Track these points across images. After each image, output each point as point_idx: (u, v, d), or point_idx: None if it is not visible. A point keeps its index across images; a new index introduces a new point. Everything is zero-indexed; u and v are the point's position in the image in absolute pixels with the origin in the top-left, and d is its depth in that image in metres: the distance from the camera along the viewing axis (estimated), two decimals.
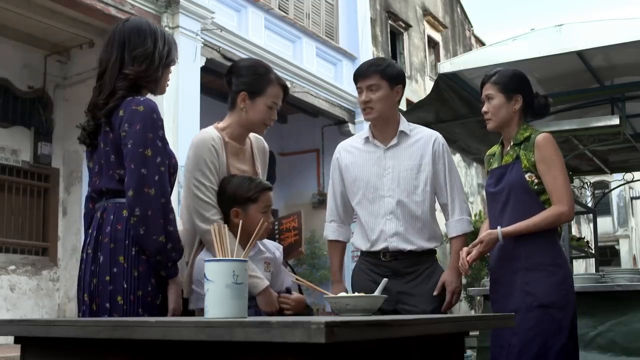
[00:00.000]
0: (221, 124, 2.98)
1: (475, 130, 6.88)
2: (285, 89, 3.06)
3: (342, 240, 3.56)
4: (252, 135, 3.07)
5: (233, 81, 2.96)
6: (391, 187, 3.32)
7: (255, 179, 2.85)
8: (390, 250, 3.30)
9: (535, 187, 3.11)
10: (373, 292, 2.41)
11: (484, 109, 3.27)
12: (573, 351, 3.06)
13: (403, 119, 3.43)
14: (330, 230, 3.55)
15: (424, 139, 3.39)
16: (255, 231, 2.23)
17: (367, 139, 3.42)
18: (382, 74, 3.29)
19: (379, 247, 3.32)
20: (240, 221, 2.39)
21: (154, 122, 2.50)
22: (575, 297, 3.11)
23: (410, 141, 3.37)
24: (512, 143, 3.21)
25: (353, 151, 3.45)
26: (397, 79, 3.34)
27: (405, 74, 15.98)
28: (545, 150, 3.10)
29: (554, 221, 3.08)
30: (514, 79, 3.24)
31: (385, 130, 3.38)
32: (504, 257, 3.16)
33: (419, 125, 3.53)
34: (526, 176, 3.12)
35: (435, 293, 3.27)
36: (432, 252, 3.41)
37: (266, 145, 3.18)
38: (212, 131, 2.91)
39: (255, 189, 2.78)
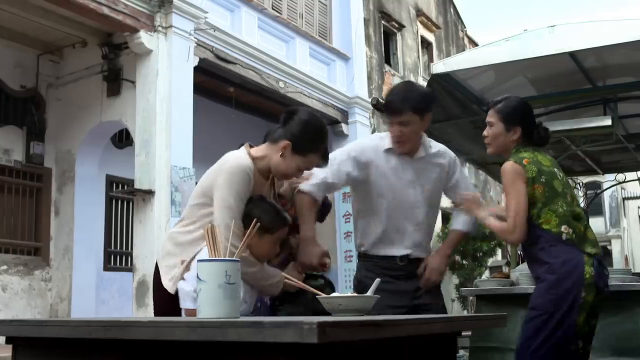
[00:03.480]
0: (255, 152, 2.97)
1: (468, 131, 6.90)
2: (325, 159, 3.03)
3: (318, 201, 3.36)
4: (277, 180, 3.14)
5: (290, 122, 2.93)
6: (421, 199, 3.40)
7: (281, 212, 2.87)
8: (410, 258, 3.40)
9: None
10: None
11: (484, 133, 3.40)
12: (559, 350, 3.11)
13: (424, 136, 3.50)
14: (318, 189, 3.31)
15: (440, 150, 3.52)
16: (244, 238, 2.23)
17: (390, 149, 3.41)
18: (415, 109, 3.28)
19: (399, 253, 3.39)
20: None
21: None
22: (572, 301, 3.11)
23: (432, 152, 3.47)
24: None
25: (381, 155, 3.42)
26: (428, 109, 3.36)
27: (399, 75, 15.91)
28: (504, 179, 3.25)
29: (500, 236, 3.41)
30: (516, 111, 3.35)
31: (412, 150, 3.43)
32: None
33: (436, 142, 3.61)
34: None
35: (421, 283, 3.40)
36: None
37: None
38: (248, 160, 2.88)
39: (276, 222, 2.81)
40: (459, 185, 3.52)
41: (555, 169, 3.33)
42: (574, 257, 3.16)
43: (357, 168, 3.37)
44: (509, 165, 3.24)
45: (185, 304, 2.78)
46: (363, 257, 3.48)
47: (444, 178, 3.47)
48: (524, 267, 4.63)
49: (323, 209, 3.51)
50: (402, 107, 3.27)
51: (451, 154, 3.56)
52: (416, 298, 3.34)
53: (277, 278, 2.87)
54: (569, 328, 3.10)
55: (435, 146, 3.52)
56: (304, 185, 3.26)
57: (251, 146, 3.01)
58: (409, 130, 3.29)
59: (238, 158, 2.88)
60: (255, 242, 2.69)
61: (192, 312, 2.78)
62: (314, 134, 2.93)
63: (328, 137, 3.04)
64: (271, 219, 2.80)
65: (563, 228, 3.18)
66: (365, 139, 3.65)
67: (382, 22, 16.26)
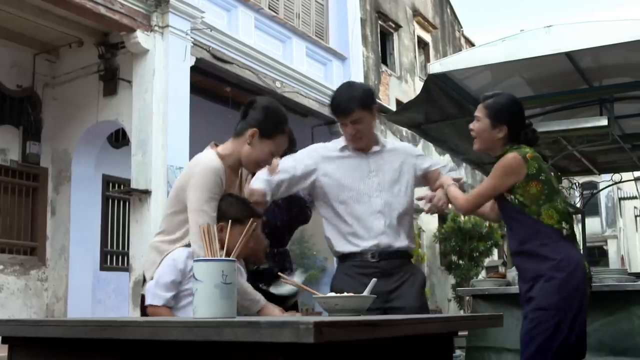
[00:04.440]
0: (222, 150, 2.98)
1: (464, 131, 6.86)
2: (291, 142, 3.13)
3: (267, 194, 3.26)
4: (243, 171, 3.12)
5: (250, 113, 2.98)
6: (377, 188, 3.38)
7: (245, 205, 2.89)
8: (382, 251, 3.33)
9: (516, 201, 3.23)
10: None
11: (471, 126, 3.39)
12: (575, 351, 3.11)
13: (377, 133, 3.56)
14: (265, 184, 3.22)
15: (397, 146, 3.57)
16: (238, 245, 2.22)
17: (345, 147, 3.46)
18: (363, 106, 3.33)
19: (368, 245, 3.34)
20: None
21: None
22: (581, 298, 3.13)
23: (388, 147, 3.50)
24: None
25: (332, 154, 3.46)
26: (373, 103, 3.41)
27: (395, 75, 15.94)
28: (498, 164, 3.26)
29: (456, 205, 3.35)
30: (505, 108, 3.32)
31: (368, 146, 3.47)
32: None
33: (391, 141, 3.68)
34: (507, 196, 3.25)
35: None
36: (411, 255, 3.52)
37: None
38: (217, 161, 2.90)
39: (245, 213, 2.79)
40: (432, 167, 3.54)
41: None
42: (574, 253, 3.19)
43: (303, 163, 3.39)
44: (510, 157, 3.22)
45: (146, 301, 2.81)
46: (339, 260, 3.49)
47: (406, 169, 3.46)
48: None
49: (298, 216, 3.68)
50: (350, 106, 3.33)
51: (412, 148, 3.66)
52: (389, 301, 3.26)
53: (256, 304, 2.82)
54: (581, 325, 3.11)
55: (392, 143, 3.59)
56: (257, 185, 3.21)
57: (216, 145, 3.02)
58: (363, 126, 3.36)
59: (208, 160, 2.90)
60: (226, 235, 2.68)
61: (152, 310, 2.79)
62: (277, 116, 3.02)
63: (286, 116, 3.10)
64: (238, 209, 2.80)
65: (563, 224, 3.20)
66: (320, 146, 3.67)
67: (379, 22, 16.27)
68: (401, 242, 3.38)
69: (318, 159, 3.44)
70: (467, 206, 3.31)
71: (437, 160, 3.66)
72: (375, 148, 3.45)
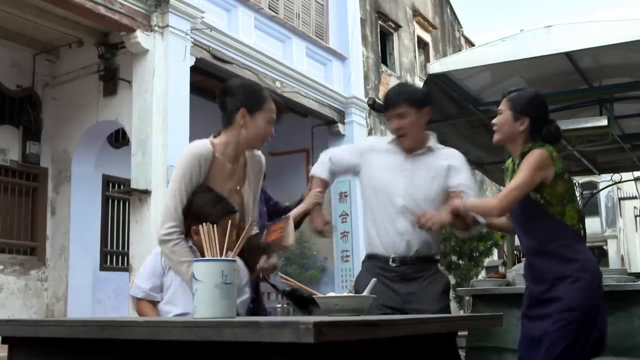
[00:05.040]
0: (217, 139, 2.99)
1: (464, 131, 6.90)
2: (277, 103, 3.10)
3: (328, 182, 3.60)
4: (250, 153, 3.07)
5: (228, 101, 2.97)
6: (404, 189, 3.37)
7: (220, 202, 2.82)
8: (403, 257, 3.33)
9: (542, 201, 3.19)
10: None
11: (494, 120, 3.37)
12: (597, 347, 3.16)
13: (431, 135, 3.52)
14: (323, 169, 3.56)
15: (446, 152, 3.51)
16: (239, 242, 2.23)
17: (393, 142, 3.49)
18: (409, 102, 3.37)
19: (392, 251, 3.36)
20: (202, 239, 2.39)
21: None
22: (602, 296, 3.18)
23: (435, 151, 3.47)
24: (517, 160, 3.29)
25: (381, 148, 3.52)
26: (423, 103, 3.43)
27: (395, 75, 15.92)
28: (527, 160, 3.17)
29: (482, 210, 3.25)
30: (528, 102, 3.31)
31: (413, 147, 3.45)
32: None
33: (445, 146, 3.59)
34: (533, 195, 3.19)
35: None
36: (437, 260, 3.50)
37: (263, 162, 3.19)
38: (204, 146, 2.91)
39: (215, 214, 2.75)
40: (455, 187, 3.40)
41: None
42: (590, 253, 3.24)
43: (354, 154, 3.57)
44: (537, 152, 3.17)
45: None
46: (348, 256, 3.55)
47: (442, 173, 3.39)
48: (519, 267, 4.62)
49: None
50: (397, 99, 3.39)
51: (456, 156, 3.50)
52: (407, 302, 3.27)
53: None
54: (603, 323, 3.14)
55: (442, 148, 3.52)
56: (312, 170, 3.56)
57: (215, 136, 3.02)
58: (406, 122, 3.36)
59: (194, 145, 2.93)
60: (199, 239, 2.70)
61: (137, 304, 2.81)
62: (254, 87, 3.04)
63: (260, 84, 3.19)
64: (208, 211, 2.75)
65: (581, 225, 3.22)
66: (373, 137, 3.73)
67: (379, 22, 16.26)
68: (422, 247, 3.35)
69: (364, 150, 3.55)
70: (500, 204, 3.16)
71: (467, 179, 3.45)
72: (421, 150, 3.43)
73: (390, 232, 3.36)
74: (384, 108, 3.49)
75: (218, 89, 3.06)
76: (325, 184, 3.56)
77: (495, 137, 3.38)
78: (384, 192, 3.40)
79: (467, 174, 3.46)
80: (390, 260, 3.35)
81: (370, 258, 3.45)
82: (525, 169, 3.15)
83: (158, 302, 2.83)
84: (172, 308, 2.77)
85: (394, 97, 3.42)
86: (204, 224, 2.15)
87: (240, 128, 2.93)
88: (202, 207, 2.78)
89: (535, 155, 3.16)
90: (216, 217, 2.68)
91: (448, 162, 3.43)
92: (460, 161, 3.48)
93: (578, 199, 10.67)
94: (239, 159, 3.02)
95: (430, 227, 3.19)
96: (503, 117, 3.31)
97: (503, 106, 3.33)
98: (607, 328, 3.18)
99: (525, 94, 3.36)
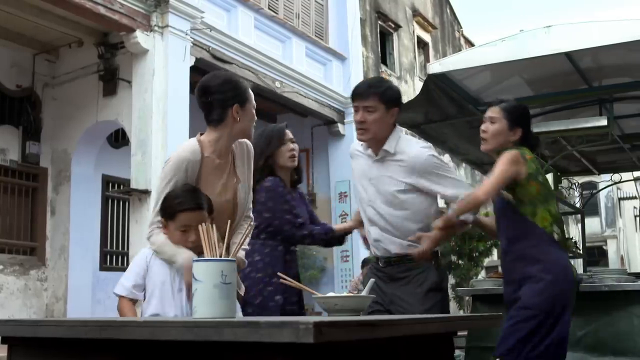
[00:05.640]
0: (206, 137, 2.97)
1: (464, 131, 6.90)
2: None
3: None
4: (235, 143, 3.06)
5: (216, 98, 2.94)
6: (372, 197, 3.38)
7: (183, 196, 2.78)
8: (384, 258, 3.37)
9: (514, 200, 3.27)
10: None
11: (483, 127, 3.38)
12: (552, 354, 3.14)
13: (392, 137, 3.36)
14: None
15: (406, 150, 3.33)
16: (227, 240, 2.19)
17: (365, 145, 3.48)
18: (381, 97, 3.29)
19: (376, 253, 3.45)
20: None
21: None
22: (564, 302, 3.17)
23: (394, 151, 3.33)
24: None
25: (357, 155, 3.54)
26: (394, 102, 3.34)
27: (395, 75, 15.89)
28: (500, 160, 3.24)
29: (469, 202, 3.16)
30: (522, 112, 3.41)
31: (376, 147, 3.40)
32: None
33: (410, 143, 3.41)
34: (506, 193, 3.28)
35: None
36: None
37: (251, 148, 3.16)
38: (192, 149, 2.90)
39: (174, 207, 2.75)
40: (439, 185, 3.30)
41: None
42: (563, 257, 3.25)
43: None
44: (511, 152, 3.25)
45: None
46: (347, 256, 3.61)
47: (405, 176, 3.29)
48: None
49: (331, 240, 3.76)
50: (367, 91, 3.32)
51: (422, 162, 3.29)
52: (392, 303, 3.29)
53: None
54: (563, 328, 3.13)
55: (403, 147, 3.34)
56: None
57: (201, 134, 3.03)
58: (372, 117, 3.28)
59: (182, 148, 2.94)
60: (167, 232, 2.76)
61: (120, 303, 2.80)
62: (237, 82, 3.05)
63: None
64: (169, 204, 2.76)
65: (554, 228, 3.23)
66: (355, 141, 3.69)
67: (379, 22, 16.26)
68: (401, 249, 3.32)
69: (351, 155, 3.57)
70: (484, 190, 3.15)
71: (451, 183, 3.31)
72: (382, 154, 3.35)
73: (370, 237, 3.44)
74: (352, 98, 3.39)
75: (197, 89, 3.06)
76: None
77: (485, 146, 3.41)
78: (359, 200, 3.48)
79: (444, 176, 3.31)
80: (379, 261, 3.42)
81: (367, 261, 3.56)
82: (500, 164, 3.22)
83: (139, 300, 2.84)
84: (147, 307, 2.79)
85: (365, 88, 3.34)
86: (204, 224, 2.14)
87: (234, 123, 2.93)
88: (167, 201, 2.78)
89: (507, 153, 3.24)
90: (173, 212, 2.72)
91: (404, 157, 3.30)
92: (428, 163, 3.29)
93: (576, 199, 10.70)
94: (228, 153, 3.03)
95: (421, 258, 3.25)
96: (499, 126, 3.35)
97: (497, 114, 3.36)
98: (567, 336, 3.17)
99: (518, 105, 3.46)
